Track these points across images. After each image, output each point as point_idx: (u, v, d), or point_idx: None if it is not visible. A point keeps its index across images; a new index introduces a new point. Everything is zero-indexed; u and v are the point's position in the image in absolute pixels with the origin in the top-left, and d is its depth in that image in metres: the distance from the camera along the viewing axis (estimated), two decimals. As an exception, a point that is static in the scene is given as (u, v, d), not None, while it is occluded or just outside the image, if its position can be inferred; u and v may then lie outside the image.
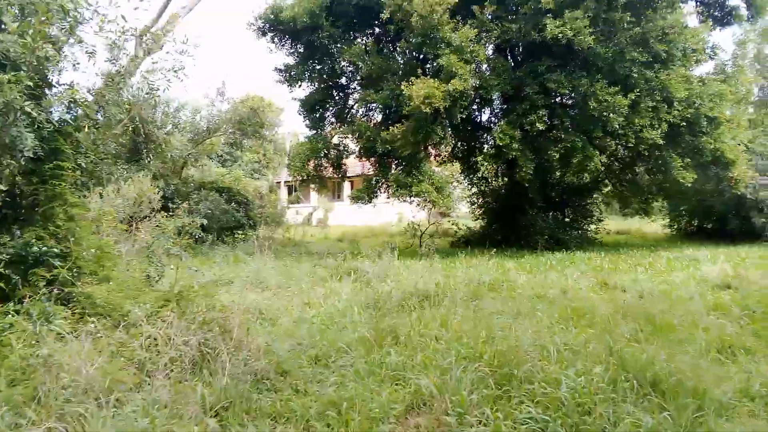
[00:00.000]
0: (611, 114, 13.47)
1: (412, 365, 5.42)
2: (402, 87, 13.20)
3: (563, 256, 15.11)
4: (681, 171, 15.07)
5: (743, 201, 19.14)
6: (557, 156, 15.07)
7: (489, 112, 18.03)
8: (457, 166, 19.67)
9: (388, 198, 16.47)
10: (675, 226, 24.03)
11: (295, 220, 32.89)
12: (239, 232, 21.94)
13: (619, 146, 14.54)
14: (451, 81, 12.96)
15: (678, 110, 14.45)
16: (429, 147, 15.58)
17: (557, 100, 14.11)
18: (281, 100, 46.38)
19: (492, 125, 19.35)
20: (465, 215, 21.75)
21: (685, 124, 14.62)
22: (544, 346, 5.65)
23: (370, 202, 16.34)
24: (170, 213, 20.44)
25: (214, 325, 5.81)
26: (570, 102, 14.25)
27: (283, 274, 12.31)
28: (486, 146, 20.64)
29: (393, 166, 15.46)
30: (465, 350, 5.54)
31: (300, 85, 17.54)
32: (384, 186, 16.54)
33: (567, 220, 17.43)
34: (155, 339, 5.40)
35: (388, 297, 8.93)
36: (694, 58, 15.21)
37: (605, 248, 17.52)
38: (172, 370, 5.11)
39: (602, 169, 14.48)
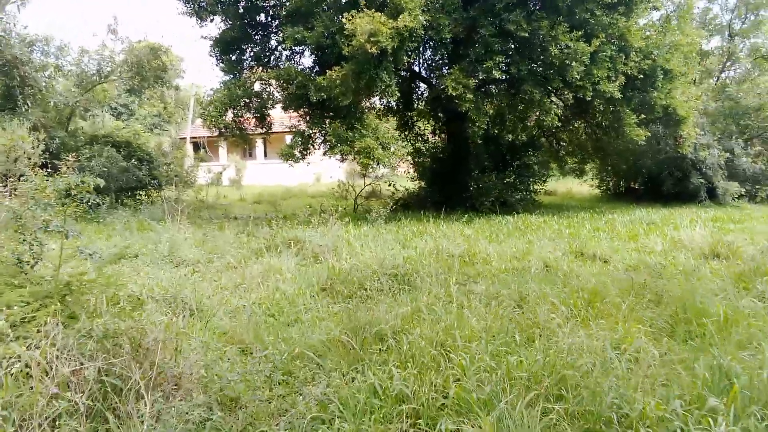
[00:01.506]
0: (573, 62, 12.15)
1: (426, 392, 3.72)
2: (343, 20, 11.07)
3: (515, 219, 13.92)
4: (634, 128, 14.19)
5: (679, 161, 18.85)
6: (516, 108, 13.63)
7: (431, 57, 16.25)
8: (392, 121, 17.86)
9: (324, 155, 14.43)
10: (604, 187, 23.79)
11: (205, 179, 30.02)
12: (142, 193, 19.17)
13: (576, 99, 13.32)
14: (400, 16, 11.04)
15: (635, 61, 13.42)
16: (370, 97, 13.64)
17: (514, 45, 12.58)
18: (182, 49, 42.00)
19: (430, 75, 17.68)
20: (393, 176, 20.10)
21: (642, 76, 13.63)
22: (602, 354, 4.14)
23: (303, 160, 14.26)
24: (54, 171, 17.47)
25: (123, 340, 3.80)
26: (528, 48, 12.76)
27: (204, 246, 10.21)
28: (422, 99, 19.04)
29: (327, 119, 13.40)
30: (498, 366, 3.91)
31: (212, 19, 14.82)
32: (319, 141, 14.47)
33: (512, 180, 16.25)
34: (26, 369, 3.34)
35: (347, 277, 7.16)
36: (650, 4, 14.15)
37: (549, 210, 16.62)
38: (54, 427, 3.12)
39: (559, 124, 13.27)
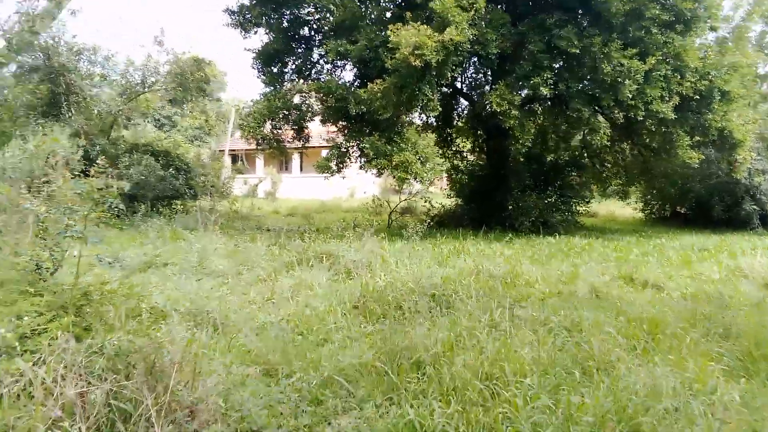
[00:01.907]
0: (626, 80, 11.61)
1: None
2: (388, 32, 10.81)
3: (557, 241, 13.32)
4: (687, 150, 13.49)
5: (731, 186, 17.95)
6: (560, 127, 13.12)
7: (473, 74, 15.90)
8: (430, 136, 17.49)
9: (360, 169, 14.14)
10: (648, 211, 22.90)
11: (241, 191, 30.15)
12: (177, 202, 19.23)
13: (626, 118, 12.73)
14: (447, 30, 10.72)
15: (690, 81, 12.77)
16: (411, 111, 13.32)
17: (564, 61, 12.10)
18: (225, 63, 42.74)
19: (471, 92, 17.30)
20: (427, 192, 19.65)
21: (698, 97, 12.96)
22: (677, 396, 3.62)
23: (339, 173, 13.99)
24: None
25: (137, 358, 3.47)
26: (577, 64, 12.28)
27: (235, 257, 9.94)
28: (462, 116, 18.66)
29: (366, 132, 13.12)
30: (556, 405, 3.44)
31: (255, 32, 14.76)
32: (356, 155, 14.19)
33: (553, 200, 15.66)
34: (30, 388, 3.03)
35: (382, 295, 6.76)
36: (708, 24, 13.51)
37: (591, 233, 15.94)
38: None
39: (608, 144, 12.68)
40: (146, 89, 18.68)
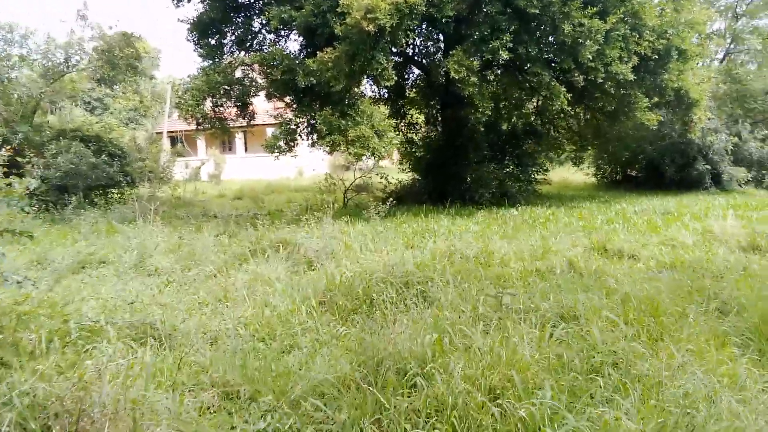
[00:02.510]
0: (587, 41, 11.11)
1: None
2: (337, -6, 9.92)
3: (519, 212, 12.89)
4: (646, 112, 13.24)
5: (683, 146, 18.03)
6: (517, 94, 12.57)
7: (423, 40, 15.10)
8: (383, 109, 16.68)
9: (312, 146, 13.24)
10: (600, 175, 22.95)
11: (183, 175, 28.64)
12: (113, 191, 17.85)
13: (586, 81, 12.27)
14: (400, -10, 9.92)
15: (648, 40, 12.42)
16: (363, 81, 12.48)
17: (522, 23, 11.44)
18: (157, 40, 40.31)
19: (424, 59, 16.54)
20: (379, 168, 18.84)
21: (656, 57, 12.64)
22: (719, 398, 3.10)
23: (291, 152, 13.04)
24: (18, 169, 16.01)
25: (59, 410, 2.65)
26: (536, 26, 11.67)
27: (180, 251, 9.03)
28: (415, 86, 17.92)
29: (316, 106, 12.19)
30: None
31: (189, 0, 13.50)
32: (306, 131, 13.26)
33: (511, 170, 15.24)
34: None
35: (350, 287, 6.05)
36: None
37: (550, 200, 15.65)
38: None
39: (568, 108, 12.20)
40: (70, 69, 17.04)
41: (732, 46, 23.16)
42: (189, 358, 4.47)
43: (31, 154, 15.72)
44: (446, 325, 4.68)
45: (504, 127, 16.18)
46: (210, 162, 35.86)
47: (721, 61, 20.26)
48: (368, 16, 9.59)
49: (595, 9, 11.20)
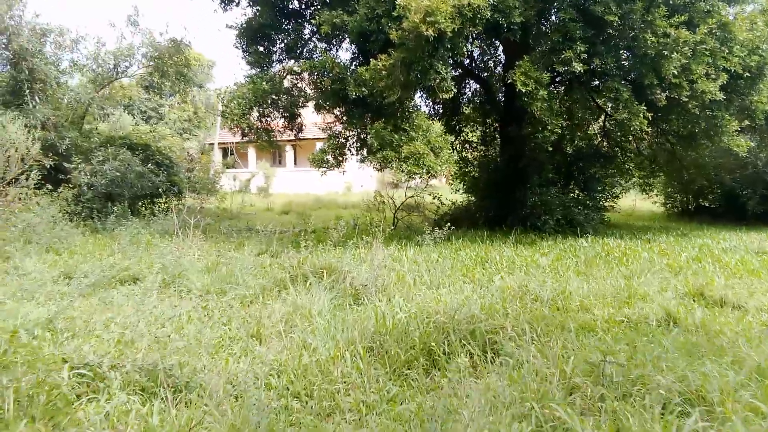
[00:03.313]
0: (673, 54, 9.87)
1: None
2: (393, -3, 9.06)
3: (588, 243, 11.60)
4: (734, 137, 11.82)
5: (765, 177, 16.31)
6: (588, 111, 11.36)
7: (484, 48, 14.04)
8: (437, 125, 15.70)
9: (362, 162, 12.37)
10: (670, 204, 21.24)
11: (232, 186, 28.39)
12: (161, 200, 17.48)
13: (668, 100, 10.97)
14: (464, -8, 8.97)
15: (739, 56, 11.04)
16: (419, 92, 11.55)
17: (595, 32, 10.30)
18: (212, 53, 40.73)
19: (482, 72, 15.50)
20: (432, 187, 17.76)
21: (747, 74, 11.25)
22: None
23: (339, 167, 12.21)
24: (65, 175, 15.74)
25: None
26: (614, 35, 10.50)
27: (217, 270, 8.25)
28: (473, 100, 16.89)
29: (367, 119, 11.32)
30: None
31: (237, 3, 12.88)
32: (356, 145, 12.41)
33: (576, 195, 13.98)
34: None
35: (404, 333, 5.04)
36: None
37: (619, 231, 14.25)
38: None
39: (648, 129, 10.92)
40: (120, 75, 16.77)
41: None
42: (205, 419, 3.56)
43: (78, 161, 15.42)
44: (530, 395, 3.62)
45: (568, 148, 14.92)
46: (260, 174, 35.68)
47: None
48: (428, 19, 8.67)
49: (682, 17, 9.96)
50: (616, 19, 9.64)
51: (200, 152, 31.88)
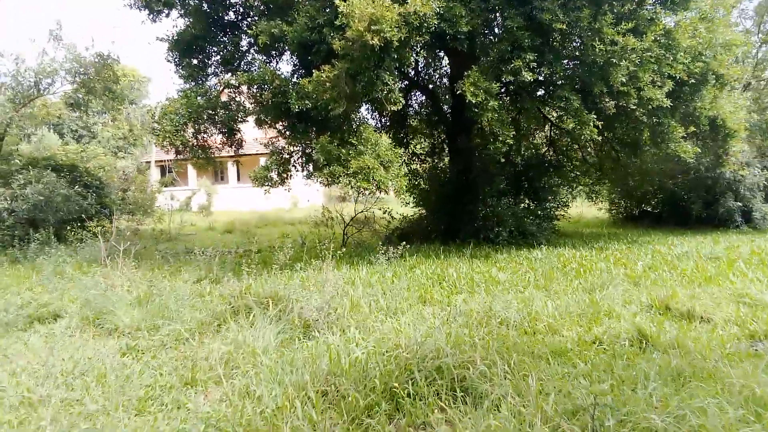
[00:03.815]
0: (621, 62, 9.76)
1: None
2: (337, 2, 8.50)
3: (543, 254, 11.34)
4: (681, 143, 11.86)
5: (710, 181, 16.68)
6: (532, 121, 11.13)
7: (429, 59, 13.72)
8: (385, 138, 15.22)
9: (308, 179, 11.72)
10: (615, 210, 21.54)
11: (171, 206, 27.08)
12: (92, 224, 16.29)
13: (617, 108, 10.88)
14: (409, 0, 8.54)
15: (683, 63, 11.09)
16: (365, 104, 11.02)
17: (542, 41, 10.06)
18: (148, 69, 39.17)
19: (428, 83, 15.18)
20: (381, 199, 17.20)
21: (693, 81, 11.32)
22: None
23: (283, 184, 11.52)
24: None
25: None
26: (562, 44, 10.31)
27: (149, 302, 7.44)
28: (420, 112, 16.55)
29: (311, 133, 10.70)
30: None
31: (167, 14, 12.00)
32: (301, 161, 11.75)
33: (529, 205, 13.78)
34: None
35: (362, 372, 4.46)
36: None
37: (571, 240, 14.13)
38: None
39: (598, 138, 10.75)
40: (42, 93, 15.54)
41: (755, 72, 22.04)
42: None
43: (-3, 185, 14.17)
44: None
45: (517, 159, 14.75)
46: (201, 192, 34.36)
47: (745, 88, 19.13)
48: (373, 27, 8.18)
49: (629, 25, 9.87)
50: (564, 26, 9.44)
51: (136, 171, 30.37)
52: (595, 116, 10.44)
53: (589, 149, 16.73)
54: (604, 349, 5.37)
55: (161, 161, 38.73)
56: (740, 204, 16.03)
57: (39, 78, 15.44)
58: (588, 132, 10.43)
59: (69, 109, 15.97)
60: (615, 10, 10.27)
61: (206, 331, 6.13)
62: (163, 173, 40.36)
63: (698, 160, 15.57)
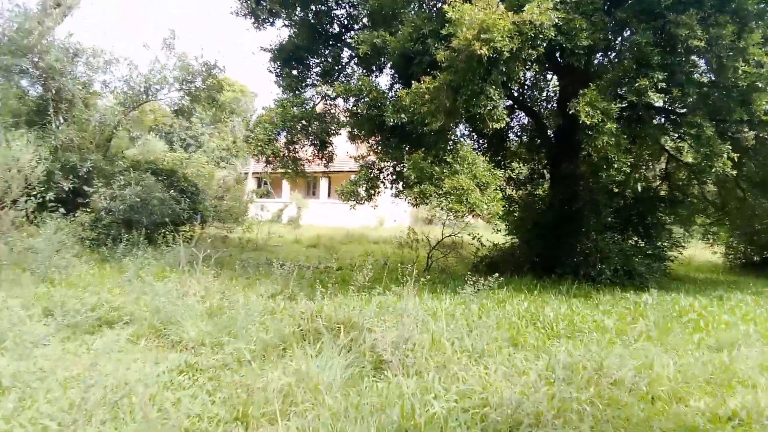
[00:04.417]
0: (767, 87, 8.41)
1: None
2: (444, 7, 7.86)
3: (654, 300, 9.97)
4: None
5: None
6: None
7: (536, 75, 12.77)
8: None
9: (397, 196, 11.09)
10: (732, 255, 19.23)
11: (261, 216, 27.51)
12: (185, 228, 16.63)
13: (757, 140, 9.46)
14: (526, 7, 7.74)
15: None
16: (465, 120, 10.26)
17: (679, 59, 8.87)
18: (255, 84, 40.69)
19: (528, 99, 14.14)
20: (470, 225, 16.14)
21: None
22: None
23: (370, 201, 10.99)
24: (84, 199, 14.95)
25: None
26: (699, 63, 9.10)
27: (219, 316, 7.03)
28: (522, 133, 15.57)
29: (405, 149, 10.08)
30: None
31: (272, 22, 11.96)
32: (391, 178, 11.15)
33: (635, 242, 12.37)
34: None
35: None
36: None
37: (685, 285, 12.51)
38: None
39: (732, 172, 9.32)
40: (149, 98, 16.06)
41: None
42: None
43: (99, 184, 14.64)
44: None
45: (628, 190, 13.35)
46: (292, 205, 34.87)
47: None
48: (482, 36, 7.44)
49: (779, 45, 8.51)
50: (702, 43, 8.22)
51: (235, 181, 31.24)
52: (730, 147, 9.07)
53: (710, 186, 15.02)
54: (743, 428, 4.25)
55: (258, 173, 39.84)
56: None
57: (149, 84, 15.99)
58: (720, 165, 9.05)
59: (173, 115, 16.41)
60: (765, 29, 8.90)
61: (270, 355, 5.56)
62: (259, 185, 41.50)
63: None
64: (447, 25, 8.09)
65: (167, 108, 18.49)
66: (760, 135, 9.22)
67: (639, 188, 12.71)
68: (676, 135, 10.58)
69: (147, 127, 19.13)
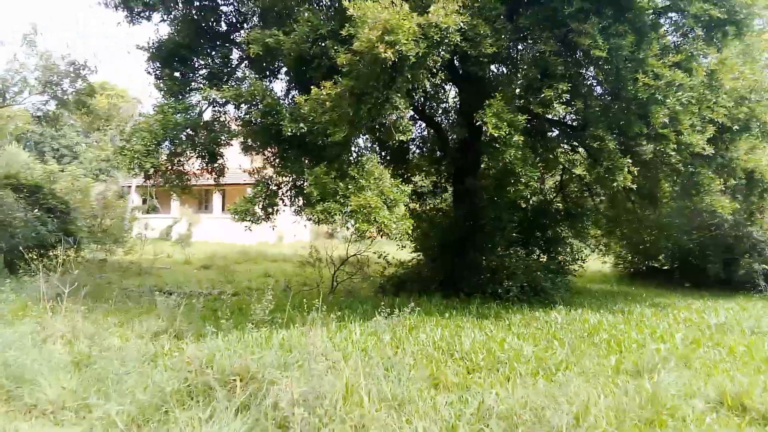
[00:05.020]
0: (668, 99, 8.47)
1: None
2: (345, 3, 7.14)
3: (563, 317, 9.80)
4: (718, 197, 10.56)
5: (728, 239, 15.37)
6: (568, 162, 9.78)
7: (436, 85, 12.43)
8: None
9: (298, 214, 10.14)
10: (621, 265, 20.12)
11: (145, 235, 25.33)
12: (57, 254, 14.55)
13: (654, 153, 9.59)
14: (432, 8, 7.21)
15: (725, 107, 9.83)
16: (368, 131, 9.57)
17: (579, 69, 8.77)
18: (139, 89, 37.83)
19: (429, 110, 13.80)
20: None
21: (736, 128, 10.08)
22: None
23: (268, 221, 9.99)
24: None
25: None
26: (601, 74, 9.05)
27: (86, 367, 5.80)
28: (423, 145, 15.22)
29: (305, 162, 9.22)
30: None
31: (148, 17, 10.65)
32: (291, 194, 10.21)
33: (541, 257, 12.34)
34: None
35: None
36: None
37: (588, 299, 12.62)
38: None
39: (632, 186, 9.36)
40: (5, 102, 13.98)
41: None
42: None
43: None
44: None
45: (528, 205, 13.34)
46: (183, 221, 32.60)
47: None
48: (386, 38, 6.80)
49: (680, 56, 8.61)
50: (604, 54, 8.11)
51: (117, 196, 28.58)
52: (630, 161, 9.09)
53: (601, 199, 15.48)
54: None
55: (144, 185, 36.99)
56: (765, 266, 14.69)
57: (6, 86, 13.90)
58: (621, 179, 9.04)
59: (34, 121, 14.41)
60: (660, 41, 9.01)
61: (149, 420, 4.50)
62: (145, 200, 38.57)
63: (720, 216, 14.29)
64: (347, 24, 7.40)
65: (33, 113, 16.35)
66: (658, 148, 9.30)
67: (534, 201, 12.70)
68: (575, 148, 10.56)
69: (4, 135, 16.75)
